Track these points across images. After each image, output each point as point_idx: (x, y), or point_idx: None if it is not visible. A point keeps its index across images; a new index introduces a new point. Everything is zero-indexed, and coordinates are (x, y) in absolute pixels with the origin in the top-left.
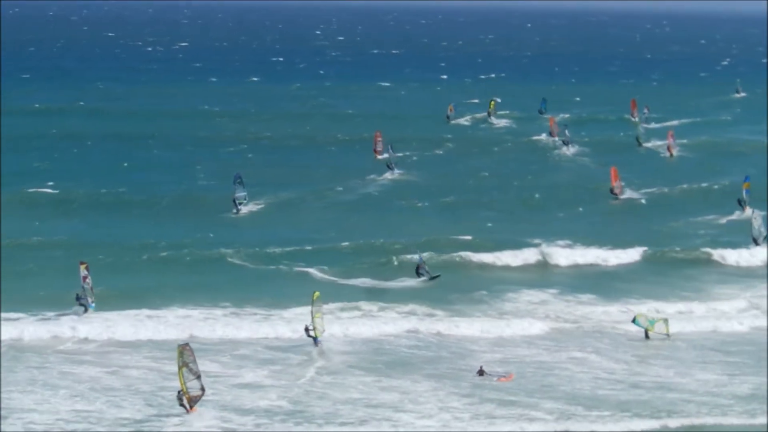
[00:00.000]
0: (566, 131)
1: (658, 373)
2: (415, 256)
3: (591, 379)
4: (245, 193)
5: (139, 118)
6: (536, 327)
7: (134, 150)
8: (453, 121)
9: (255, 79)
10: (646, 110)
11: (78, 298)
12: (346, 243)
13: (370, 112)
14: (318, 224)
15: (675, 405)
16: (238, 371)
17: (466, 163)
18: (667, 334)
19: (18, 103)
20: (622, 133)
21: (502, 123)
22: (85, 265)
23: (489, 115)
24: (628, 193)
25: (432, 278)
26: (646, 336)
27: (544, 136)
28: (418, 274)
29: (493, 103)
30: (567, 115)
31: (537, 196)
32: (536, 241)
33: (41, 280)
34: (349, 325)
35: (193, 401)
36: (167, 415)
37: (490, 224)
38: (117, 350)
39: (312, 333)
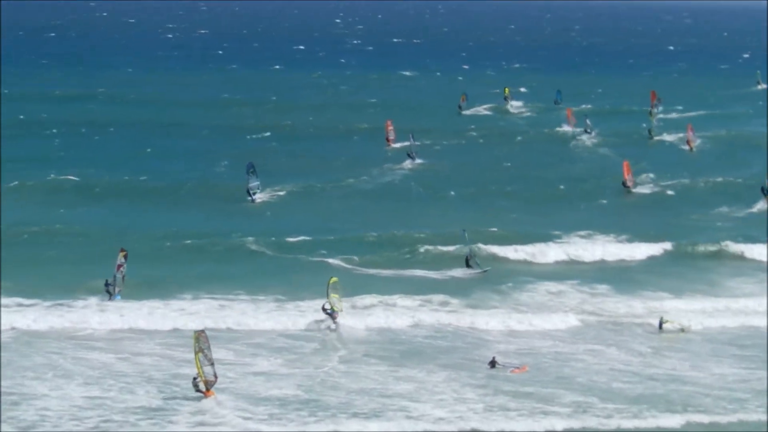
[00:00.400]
0: (587, 120)
1: (674, 366)
2: (465, 248)
3: (607, 371)
4: (258, 182)
5: (160, 105)
6: (554, 319)
7: (156, 137)
8: (465, 112)
9: (277, 67)
10: (657, 102)
11: (107, 285)
12: (366, 232)
13: (391, 101)
14: (337, 213)
15: (692, 398)
16: (253, 360)
17: (487, 153)
18: (683, 329)
19: (38, 90)
20: (643, 125)
21: (523, 113)
22: (124, 254)
23: (506, 100)
24: (648, 187)
25: (483, 271)
26: (660, 327)
27: (564, 127)
28: (468, 266)
29: (507, 89)
30: (589, 106)
31: (562, 187)
32: (557, 232)
33: (61, 267)
34: (366, 314)
35: (209, 385)
36: (181, 402)
37: (513, 215)
38: (130, 337)
39: (328, 308)
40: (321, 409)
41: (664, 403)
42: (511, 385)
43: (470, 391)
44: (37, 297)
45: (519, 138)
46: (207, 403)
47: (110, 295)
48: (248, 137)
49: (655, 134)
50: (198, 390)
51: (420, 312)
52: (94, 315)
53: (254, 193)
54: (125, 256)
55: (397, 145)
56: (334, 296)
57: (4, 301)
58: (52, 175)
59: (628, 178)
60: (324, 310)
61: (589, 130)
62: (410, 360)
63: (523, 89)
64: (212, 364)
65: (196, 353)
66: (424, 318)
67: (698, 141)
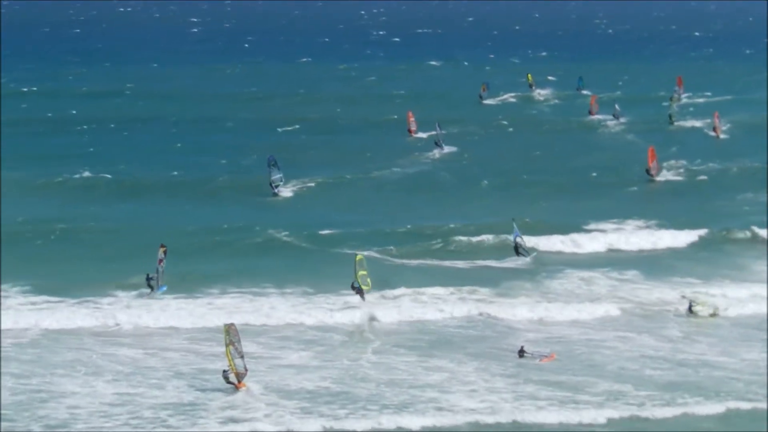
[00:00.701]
0: (616, 106)
1: (704, 351)
2: (510, 237)
3: (638, 357)
4: (281, 175)
5: (188, 100)
6: (585, 307)
7: (185, 132)
8: (485, 101)
9: (305, 59)
10: (679, 89)
11: (148, 279)
12: (397, 223)
13: (419, 91)
14: (366, 204)
15: (725, 384)
16: (281, 352)
17: (515, 141)
18: (713, 313)
19: (65, 87)
20: (665, 103)
21: (550, 101)
22: (164, 249)
23: (531, 88)
24: (677, 173)
25: (532, 257)
26: (690, 310)
27: (590, 116)
28: (518, 253)
29: (530, 76)
30: (618, 93)
31: (594, 174)
32: (588, 220)
33: (90, 264)
34: (396, 305)
35: (240, 377)
36: (212, 396)
37: (544, 204)
38: (160, 333)
39: (357, 285)
40: (351, 401)
41: (697, 389)
42: (542, 374)
43: (500, 380)
44: (66, 295)
45: (546, 126)
46: (239, 396)
47: (152, 289)
48: (278, 130)
49: (676, 120)
50: (229, 382)
51: (450, 302)
52: (122, 312)
53: (276, 186)
54: (165, 252)
55: (420, 135)
56: (362, 273)
57: (33, 299)
58: (83, 173)
59: (652, 165)
60: (353, 287)
61: (617, 116)
62: (440, 350)
63: (550, 77)
64: (242, 357)
65: (226, 346)
66: (455, 308)
67: (726, 127)
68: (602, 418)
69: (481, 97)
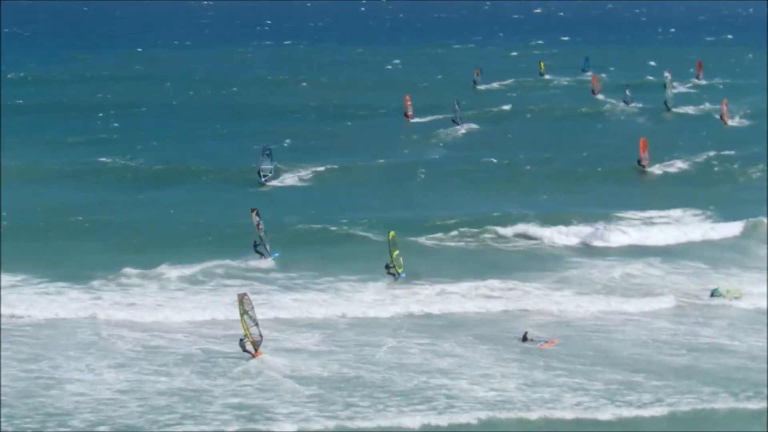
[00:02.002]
0: (627, 91)
1: (716, 335)
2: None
3: (652, 342)
4: (272, 166)
5: (208, 84)
6: (599, 295)
7: (204, 119)
8: (479, 86)
9: (330, 43)
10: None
11: (255, 246)
12: (412, 211)
13: (441, 74)
14: (363, 192)
15: (737, 371)
16: (290, 336)
17: (529, 126)
18: (738, 296)
19: (86, 72)
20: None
21: (562, 83)
22: (255, 212)
23: (541, 74)
24: (686, 162)
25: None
26: (712, 295)
27: (596, 96)
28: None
29: (542, 63)
30: (639, 80)
31: (597, 165)
32: (588, 208)
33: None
34: (413, 293)
35: (257, 345)
36: (219, 381)
37: (546, 195)
38: (165, 320)
39: (392, 270)
40: (363, 386)
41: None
42: (553, 361)
43: (509, 366)
44: (71, 281)
45: (558, 112)
46: (258, 360)
47: (262, 255)
48: (294, 116)
49: (672, 106)
50: (245, 350)
51: (465, 288)
52: (123, 298)
53: (265, 176)
54: (257, 214)
55: (417, 120)
56: (396, 252)
57: (49, 288)
58: (100, 158)
59: (643, 156)
60: (387, 268)
61: (627, 101)
62: (452, 336)
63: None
64: (257, 325)
65: (241, 315)
66: (468, 294)
67: (739, 115)
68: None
69: (475, 82)
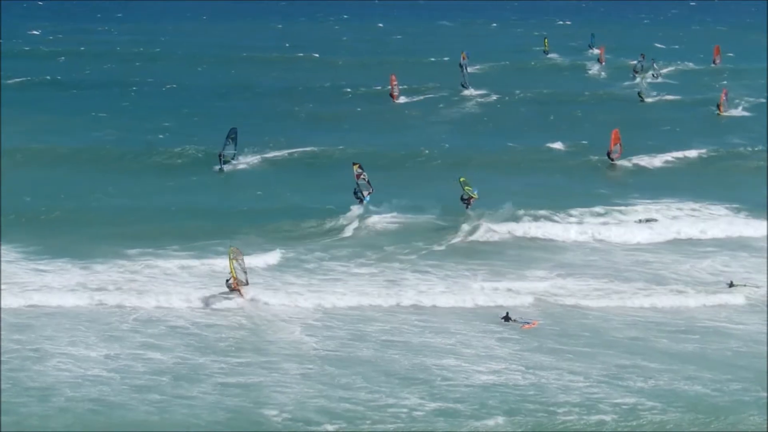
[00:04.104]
0: (654, 65)
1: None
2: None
3: (653, 326)
4: (234, 152)
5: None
6: (593, 279)
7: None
8: (466, 70)
9: (345, 16)
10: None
11: (355, 193)
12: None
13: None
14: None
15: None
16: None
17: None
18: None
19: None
20: (706, 78)
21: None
22: (357, 165)
23: (545, 53)
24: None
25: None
26: (730, 285)
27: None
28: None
29: (546, 40)
30: (662, 63)
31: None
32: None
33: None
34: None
35: (240, 284)
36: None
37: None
38: (156, 297)
39: (465, 197)
40: (355, 364)
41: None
42: (546, 342)
43: (508, 347)
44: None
45: (586, 93)
46: (240, 297)
47: (361, 200)
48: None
49: (646, 96)
50: (231, 289)
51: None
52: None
53: (226, 162)
54: (360, 167)
55: (403, 100)
56: (467, 188)
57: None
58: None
59: (614, 148)
60: (462, 199)
61: (656, 75)
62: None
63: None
64: (245, 272)
65: (230, 260)
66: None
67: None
68: None
69: (461, 66)
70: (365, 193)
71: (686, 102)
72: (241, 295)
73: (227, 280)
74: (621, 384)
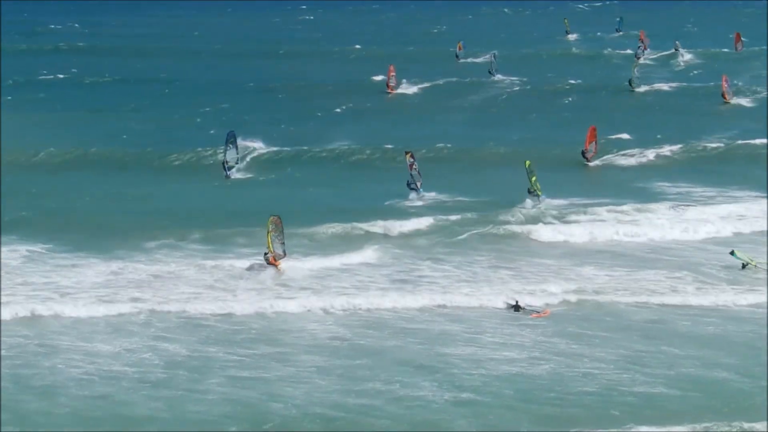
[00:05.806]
0: (678, 45)
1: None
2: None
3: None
4: (237, 156)
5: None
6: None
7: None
8: (462, 60)
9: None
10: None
11: (408, 184)
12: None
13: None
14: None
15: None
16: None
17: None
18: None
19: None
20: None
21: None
22: (409, 154)
23: (567, 33)
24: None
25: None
26: (743, 267)
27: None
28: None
29: (566, 21)
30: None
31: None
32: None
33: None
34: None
35: (278, 257)
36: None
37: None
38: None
39: (532, 190)
40: (366, 355)
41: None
42: (565, 328)
43: (525, 334)
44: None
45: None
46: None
47: (415, 190)
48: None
49: (636, 85)
50: (268, 263)
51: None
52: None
53: (230, 168)
54: (411, 156)
55: (399, 91)
56: (533, 178)
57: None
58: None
59: (589, 147)
60: (529, 192)
61: (682, 54)
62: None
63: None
64: (283, 244)
65: (268, 233)
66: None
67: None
68: None
69: (457, 56)
70: (418, 183)
71: (688, 90)
72: (278, 270)
73: (265, 253)
74: (641, 370)
